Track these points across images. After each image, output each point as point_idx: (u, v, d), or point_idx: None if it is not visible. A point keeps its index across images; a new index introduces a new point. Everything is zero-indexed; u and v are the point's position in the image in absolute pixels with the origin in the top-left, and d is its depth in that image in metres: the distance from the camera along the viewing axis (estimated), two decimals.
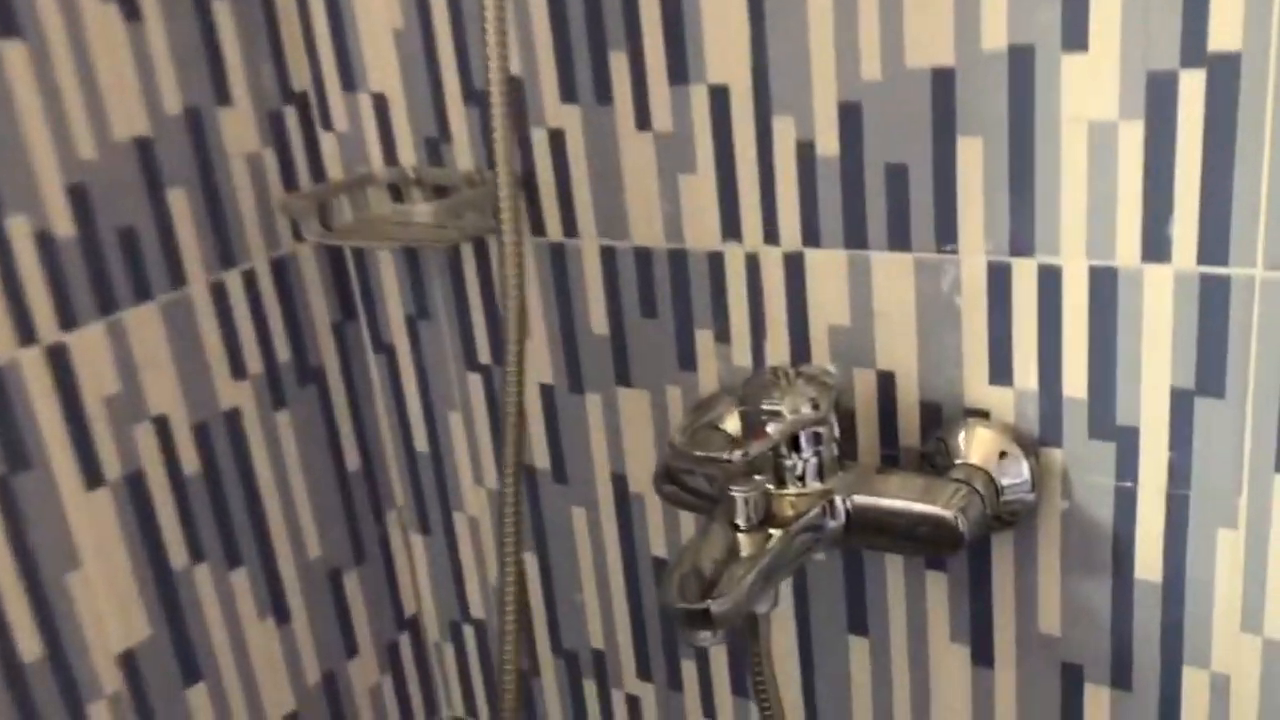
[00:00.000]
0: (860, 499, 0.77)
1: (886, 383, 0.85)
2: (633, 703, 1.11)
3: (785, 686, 0.99)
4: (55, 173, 0.85)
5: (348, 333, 1.10)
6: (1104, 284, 0.74)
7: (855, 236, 0.82)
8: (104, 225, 0.89)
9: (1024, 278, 0.77)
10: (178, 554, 0.97)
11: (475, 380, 1.06)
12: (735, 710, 1.04)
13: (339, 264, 1.08)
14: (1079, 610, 0.83)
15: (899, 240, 0.80)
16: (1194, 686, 0.80)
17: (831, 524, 0.77)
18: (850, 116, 0.79)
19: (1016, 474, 0.79)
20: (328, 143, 1.04)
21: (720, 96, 0.84)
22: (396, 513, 1.17)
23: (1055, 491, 0.80)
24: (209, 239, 0.96)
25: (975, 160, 0.76)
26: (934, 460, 0.82)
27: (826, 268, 0.84)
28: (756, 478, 0.75)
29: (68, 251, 0.87)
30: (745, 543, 0.74)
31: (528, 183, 0.95)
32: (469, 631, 1.20)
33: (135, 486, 0.93)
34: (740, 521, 0.74)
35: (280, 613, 1.06)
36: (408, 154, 1.01)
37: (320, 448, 1.08)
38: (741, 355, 0.90)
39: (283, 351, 1.04)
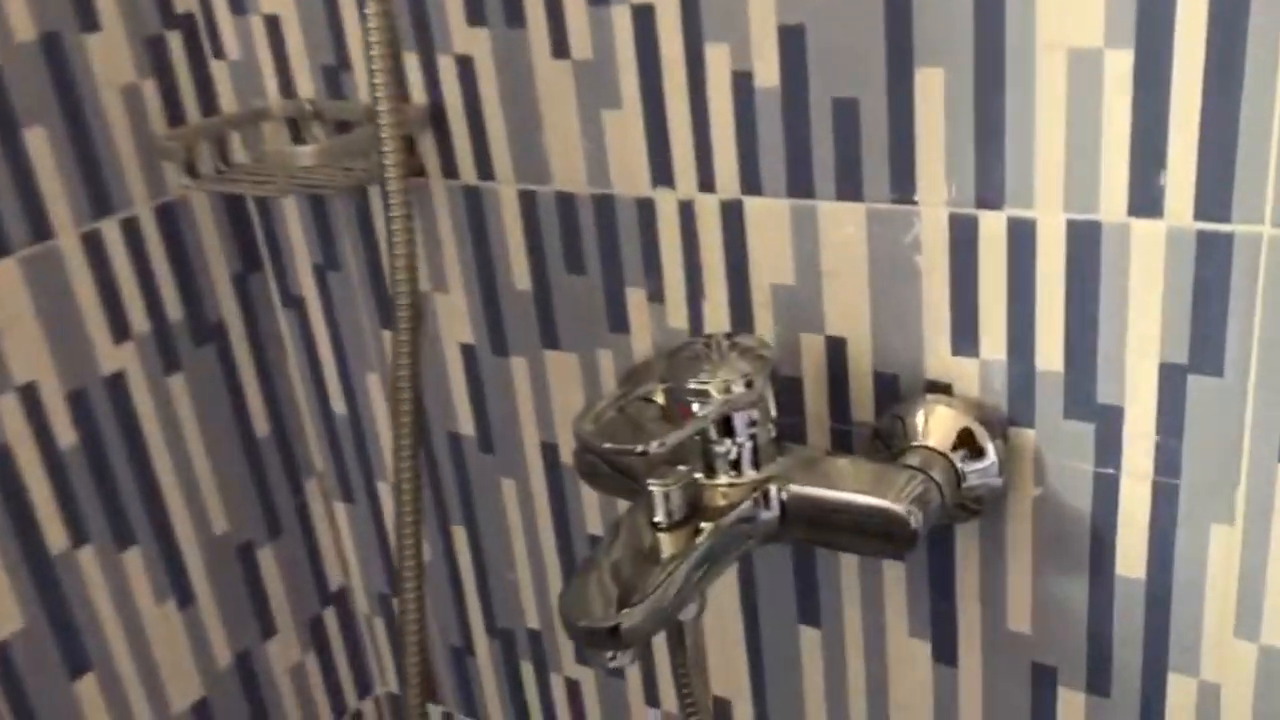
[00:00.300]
0: (799, 489, 0.67)
1: (837, 350, 0.74)
2: (572, 687, 1.02)
3: (733, 679, 0.90)
4: None
5: (251, 285, 0.99)
6: (1085, 241, 0.63)
7: (800, 183, 0.71)
8: None
9: (992, 232, 0.66)
10: (55, 536, 0.87)
11: (391, 338, 0.96)
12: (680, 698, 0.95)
13: (239, 210, 0.97)
14: (1052, 608, 0.73)
15: (849, 188, 0.69)
16: (1180, 696, 0.71)
17: (765, 516, 0.67)
18: (792, 42, 0.68)
19: (982, 457, 0.69)
20: (219, 72, 0.93)
21: (645, 18, 0.72)
22: (316, 479, 1.07)
23: (1026, 477, 0.70)
24: (77, 184, 0.85)
25: (936, 95, 0.64)
26: (889, 440, 0.72)
27: (768, 219, 0.73)
28: (681, 468, 0.64)
29: None
30: (666, 543, 0.64)
31: (436, 118, 0.84)
32: (398, 605, 1.11)
33: (1, 465, 0.83)
34: (660, 518, 0.64)
35: (182, 594, 0.97)
36: (305, 84, 0.89)
37: (223, 413, 0.98)
38: (677, 316, 0.80)
39: (174, 308, 0.93)
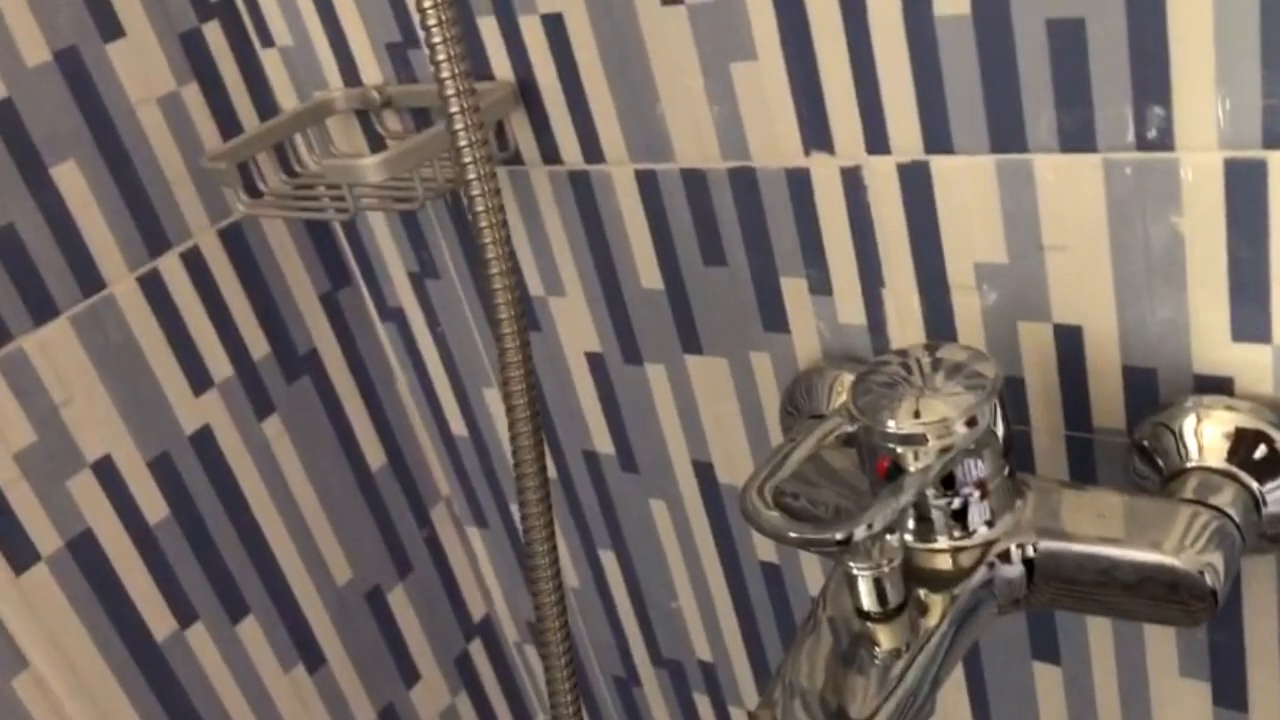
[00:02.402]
0: (1049, 545, 0.51)
1: (1070, 341, 0.57)
2: None
3: None
4: None
5: (343, 302, 0.86)
6: None
7: (1007, 134, 0.54)
8: None
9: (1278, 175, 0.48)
10: (158, 620, 0.77)
11: None
12: None
13: (317, 220, 0.83)
14: None
15: (1078, 136, 0.52)
16: None
17: (1006, 581, 0.51)
18: None
19: None
20: (271, 63, 0.79)
21: None
22: (444, 506, 0.95)
23: None
24: (124, 221, 0.72)
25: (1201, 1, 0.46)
26: (1151, 456, 0.55)
27: (965, 182, 0.56)
28: (891, 540, 0.49)
29: None
30: (883, 636, 0.49)
31: (527, 94, 0.68)
32: None
33: (84, 553, 0.72)
34: (869, 607, 0.49)
35: (310, 657, 0.86)
36: (371, 68, 0.75)
37: (329, 450, 0.86)
38: (850, 310, 0.63)
39: (256, 344, 0.81)
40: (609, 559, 0.88)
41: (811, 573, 0.76)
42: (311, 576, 0.86)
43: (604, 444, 0.81)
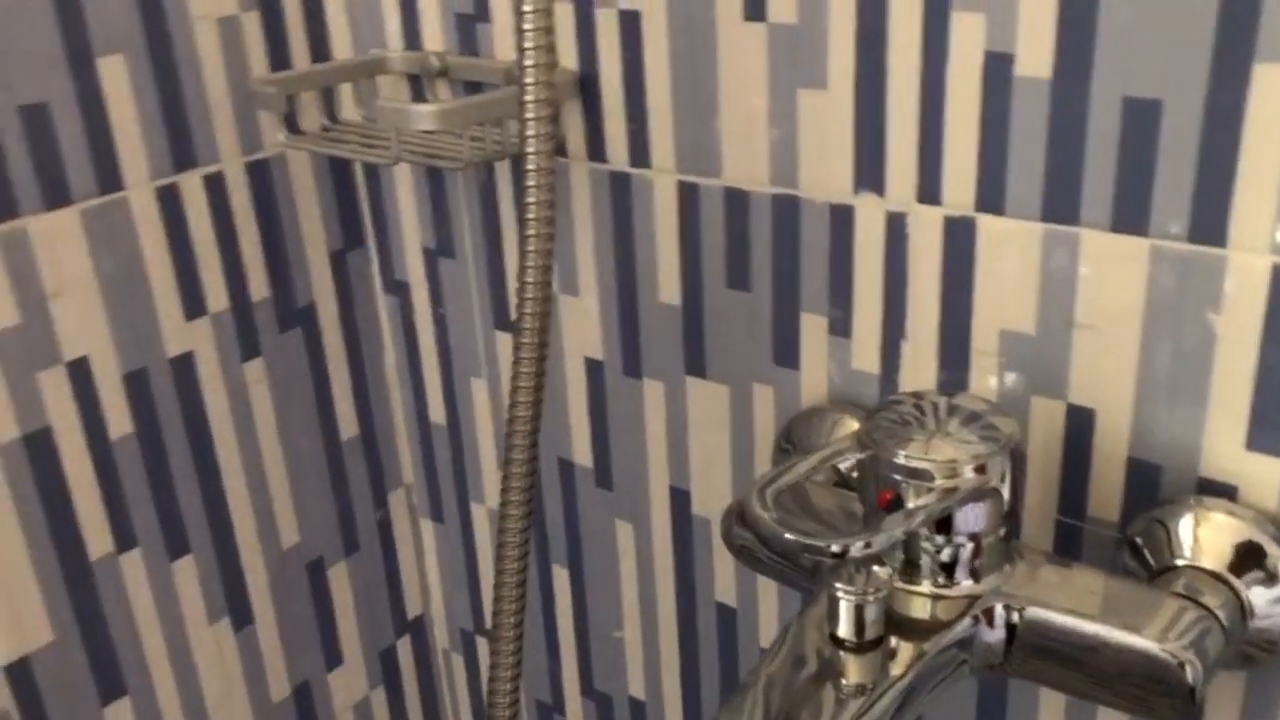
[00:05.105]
0: (1035, 613, 0.50)
1: (1081, 424, 0.57)
2: None
3: None
4: None
5: (350, 265, 0.85)
6: None
7: (1061, 204, 0.54)
8: (0, 99, 0.65)
9: None
10: (97, 539, 0.74)
11: (506, 341, 0.81)
12: None
13: (343, 175, 0.83)
14: None
15: (1130, 217, 0.52)
16: None
17: (986, 643, 0.50)
18: (1077, 20, 0.51)
19: (1275, 583, 0.52)
20: (334, 10, 0.79)
21: None
22: (404, 492, 0.93)
23: None
24: (157, 128, 0.71)
25: (1278, 101, 0.47)
26: (1140, 552, 0.54)
27: (1009, 246, 0.56)
28: (879, 571, 0.48)
29: None
30: (852, 667, 0.48)
31: (587, 87, 0.68)
32: (483, 646, 0.96)
33: (37, 450, 0.70)
34: (846, 635, 0.48)
35: (239, 613, 0.84)
36: (434, 35, 0.75)
37: (305, 409, 0.84)
38: (865, 357, 0.63)
39: (258, 284, 0.79)
40: (561, 575, 0.86)
41: (767, 622, 0.75)
42: (258, 531, 0.83)
43: (583, 455, 0.80)
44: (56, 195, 0.68)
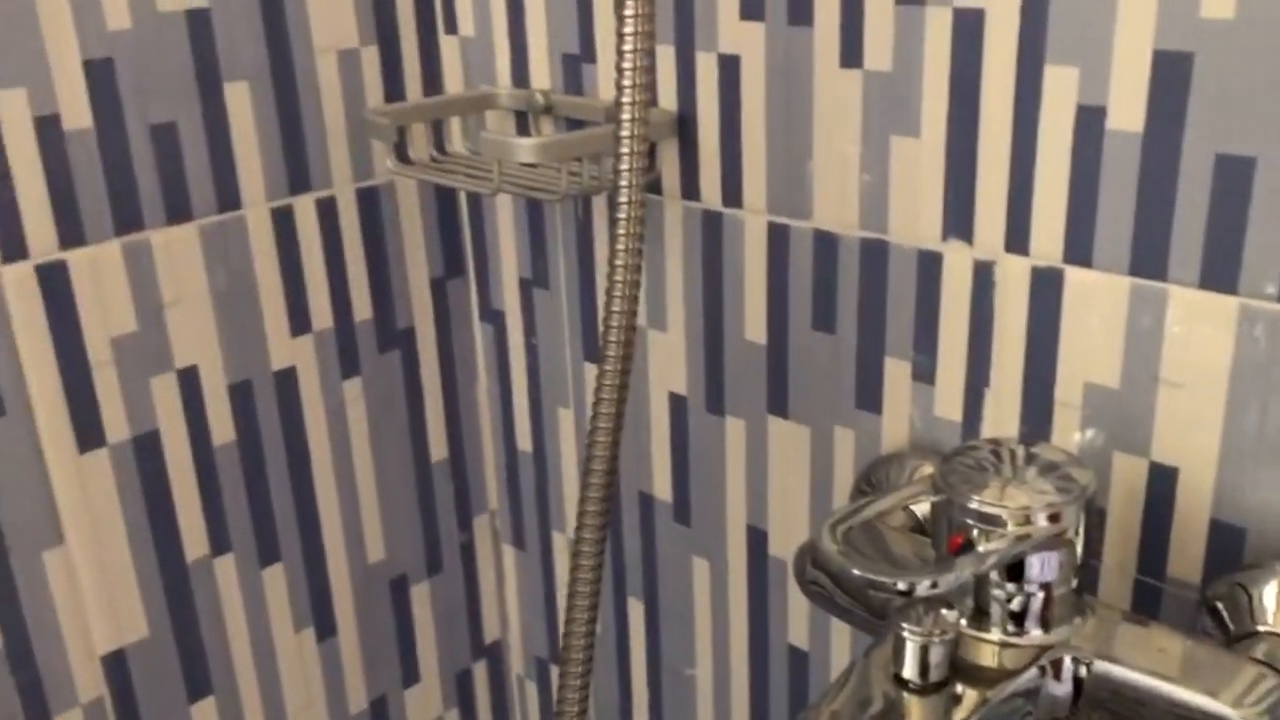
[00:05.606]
0: (1104, 667, 0.49)
1: (1163, 482, 0.56)
2: None
3: None
4: (70, 43, 0.65)
5: (450, 292, 0.88)
6: None
7: (1150, 259, 0.54)
8: (133, 118, 0.69)
9: None
10: (194, 541, 0.77)
11: (594, 373, 0.83)
12: None
13: (448, 206, 0.86)
14: None
15: (1221, 275, 0.52)
16: None
17: (1052, 695, 0.50)
18: (1171, 75, 0.51)
19: None
20: (448, 49, 0.82)
21: (969, 25, 0.56)
22: (488, 517, 0.95)
23: None
24: (275, 152, 0.75)
25: None
26: (1219, 615, 0.53)
27: (1096, 299, 0.56)
28: (947, 613, 0.48)
29: (79, 146, 0.67)
30: (915, 709, 0.48)
31: (684, 126, 0.70)
32: (556, 675, 0.97)
33: (145, 452, 0.74)
34: (910, 675, 0.48)
35: (323, 624, 0.86)
36: (541, 73, 0.77)
37: (398, 429, 0.87)
38: (948, 404, 0.63)
39: (361, 306, 0.82)
40: (636, 608, 0.87)
41: (839, 666, 0.75)
42: (346, 545, 0.86)
43: (663, 489, 0.81)
44: (179, 210, 0.72)
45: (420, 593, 0.92)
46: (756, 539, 0.76)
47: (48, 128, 0.65)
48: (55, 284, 0.68)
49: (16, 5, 0.63)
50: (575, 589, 0.71)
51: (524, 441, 0.90)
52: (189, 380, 0.75)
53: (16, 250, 0.66)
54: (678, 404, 0.78)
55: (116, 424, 0.72)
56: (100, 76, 0.67)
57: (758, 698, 0.81)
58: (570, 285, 0.81)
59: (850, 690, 0.49)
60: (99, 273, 0.69)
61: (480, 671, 0.99)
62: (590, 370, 0.83)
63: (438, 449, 0.90)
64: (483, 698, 0.99)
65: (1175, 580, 0.57)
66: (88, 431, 0.71)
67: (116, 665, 0.76)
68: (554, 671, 0.98)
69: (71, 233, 0.68)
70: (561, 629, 0.94)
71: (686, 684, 0.85)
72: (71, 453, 0.70)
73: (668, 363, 0.77)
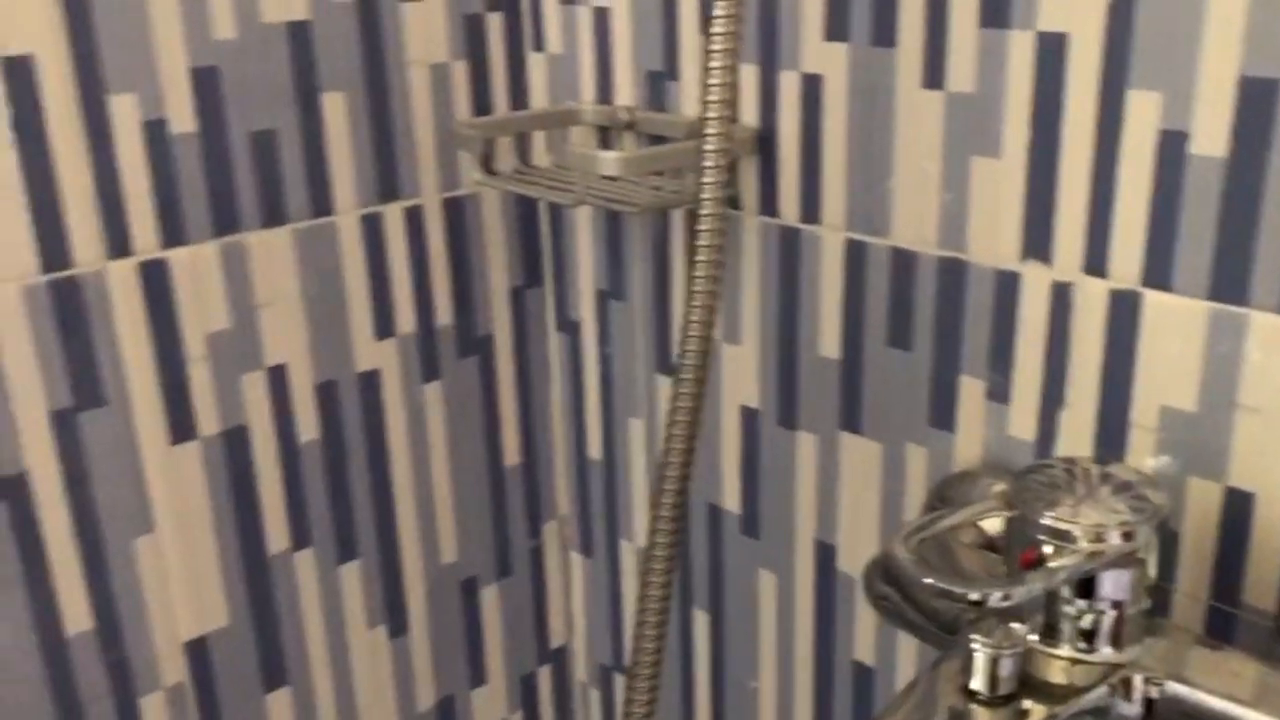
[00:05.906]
0: (1174, 688, 0.49)
1: (1240, 507, 0.56)
2: None
3: None
4: (179, 51, 0.69)
5: (528, 302, 0.90)
6: None
7: (1229, 285, 0.54)
8: (235, 124, 0.72)
9: None
10: (276, 534, 0.80)
11: (667, 384, 0.84)
12: None
13: (529, 217, 0.88)
14: None
15: None
16: None
17: (1123, 713, 0.50)
18: (1255, 99, 0.51)
19: None
20: (535, 65, 0.84)
21: (1052, 49, 0.57)
22: (558, 524, 0.97)
23: None
24: (367, 161, 0.78)
25: None
26: None
27: (1174, 322, 0.56)
28: (1016, 627, 0.49)
29: (183, 150, 0.70)
30: None
31: (765, 144, 0.72)
32: (620, 682, 0.99)
33: (235, 446, 0.76)
34: (979, 687, 0.48)
35: (396, 621, 0.88)
36: (625, 90, 0.79)
37: (474, 434, 0.89)
38: (1022, 424, 0.64)
39: (444, 312, 0.85)
40: (701, 619, 0.88)
41: (904, 683, 0.75)
42: (421, 545, 0.88)
43: (732, 502, 0.82)
44: (274, 214, 0.74)
45: (490, 595, 0.94)
46: (825, 553, 0.77)
47: (154, 131, 0.69)
48: (156, 281, 0.70)
49: (129, 14, 0.66)
50: (645, 599, 0.72)
51: (595, 450, 0.92)
52: (278, 378, 0.77)
53: (121, 248, 0.69)
54: (749, 417, 0.79)
55: (208, 418, 0.75)
56: (205, 84, 0.70)
57: (821, 713, 0.81)
58: (646, 297, 0.83)
59: (917, 700, 0.49)
60: (197, 272, 0.72)
61: (545, 676, 1.00)
62: (662, 381, 0.84)
63: (511, 454, 0.92)
64: (547, 702, 1.01)
65: (1250, 607, 0.57)
66: (180, 424, 0.74)
67: (198, 652, 0.78)
68: (617, 679, 0.99)
69: (173, 232, 0.71)
70: (628, 637, 0.95)
71: (750, 697, 0.86)
72: (164, 444, 0.73)
73: (741, 376, 0.78)
